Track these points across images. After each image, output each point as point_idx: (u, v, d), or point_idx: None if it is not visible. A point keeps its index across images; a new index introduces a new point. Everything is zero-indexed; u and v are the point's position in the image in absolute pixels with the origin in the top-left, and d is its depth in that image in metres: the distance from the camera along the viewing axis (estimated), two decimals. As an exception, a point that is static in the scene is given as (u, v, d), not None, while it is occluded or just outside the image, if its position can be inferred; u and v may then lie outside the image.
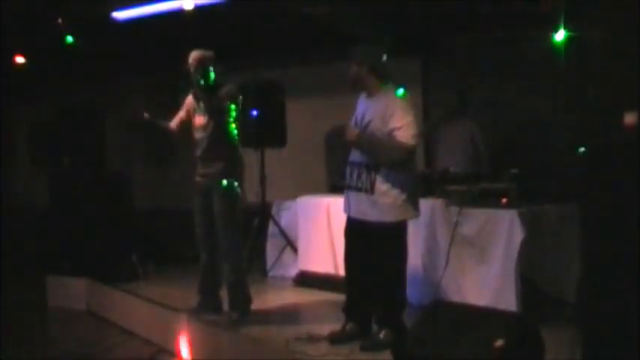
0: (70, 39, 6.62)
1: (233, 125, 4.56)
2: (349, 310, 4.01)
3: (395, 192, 3.71)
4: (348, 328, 3.95)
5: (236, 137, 4.62)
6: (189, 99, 4.69)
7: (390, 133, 3.66)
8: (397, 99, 3.75)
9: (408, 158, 3.72)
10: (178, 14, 5.93)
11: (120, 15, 6.34)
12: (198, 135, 4.61)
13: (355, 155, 3.85)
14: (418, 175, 4.01)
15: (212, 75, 4.54)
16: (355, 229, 3.91)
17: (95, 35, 6.72)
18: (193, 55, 4.54)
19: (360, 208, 3.81)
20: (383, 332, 3.79)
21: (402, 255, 3.86)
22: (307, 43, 7.24)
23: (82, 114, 8.08)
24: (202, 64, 4.51)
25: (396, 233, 3.79)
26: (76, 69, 8.08)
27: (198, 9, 5.85)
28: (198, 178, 4.65)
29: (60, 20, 6.46)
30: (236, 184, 4.56)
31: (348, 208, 3.94)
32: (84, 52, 6.82)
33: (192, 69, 4.52)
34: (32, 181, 9.01)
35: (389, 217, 3.73)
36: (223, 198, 4.52)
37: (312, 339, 3.98)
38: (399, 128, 3.63)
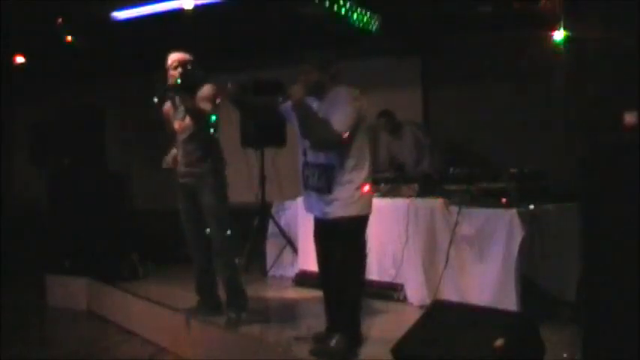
0: (70, 39, 6.63)
1: (214, 124, 4.53)
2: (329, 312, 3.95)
3: (352, 189, 3.69)
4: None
5: (217, 136, 4.61)
6: (167, 106, 4.65)
7: (328, 117, 3.64)
8: (345, 94, 3.69)
9: (334, 144, 3.64)
10: (178, 14, 5.94)
11: (120, 15, 6.34)
12: (179, 138, 4.59)
13: (312, 157, 3.80)
14: (370, 171, 3.86)
15: (191, 76, 4.49)
16: (322, 231, 3.89)
17: (95, 35, 6.72)
18: (173, 57, 4.50)
19: (322, 208, 3.77)
20: (335, 339, 3.68)
21: (360, 253, 3.81)
22: (307, 43, 7.24)
23: (82, 114, 8.07)
24: (182, 66, 4.47)
25: (354, 228, 3.75)
26: (76, 69, 8.09)
27: (198, 9, 5.85)
28: (182, 180, 4.64)
29: (60, 20, 6.46)
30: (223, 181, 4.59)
31: (310, 207, 3.91)
32: (84, 52, 6.83)
33: (171, 70, 4.47)
34: (32, 181, 8.99)
35: (348, 212, 3.69)
36: (211, 196, 4.53)
37: (298, 339, 3.96)
38: (336, 114, 3.60)
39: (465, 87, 6.95)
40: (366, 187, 3.75)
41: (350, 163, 3.69)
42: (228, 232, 4.58)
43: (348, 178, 3.69)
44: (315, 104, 3.77)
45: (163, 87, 4.53)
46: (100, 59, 7.75)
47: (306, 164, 3.85)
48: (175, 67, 4.48)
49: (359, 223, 3.76)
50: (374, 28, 6.36)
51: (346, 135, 3.60)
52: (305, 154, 3.85)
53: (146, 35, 6.80)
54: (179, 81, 4.44)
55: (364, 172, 3.74)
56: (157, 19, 6.28)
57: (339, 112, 3.60)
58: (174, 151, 4.71)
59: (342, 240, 3.74)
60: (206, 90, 4.48)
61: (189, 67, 4.50)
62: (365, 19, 6.23)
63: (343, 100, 3.65)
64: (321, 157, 3.74)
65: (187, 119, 4.51)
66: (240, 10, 6.23)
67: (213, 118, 4.50)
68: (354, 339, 3.73)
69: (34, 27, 6.66)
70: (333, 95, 3.71)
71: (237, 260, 4.75)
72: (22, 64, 7.76)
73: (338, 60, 3.83)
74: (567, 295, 4.36)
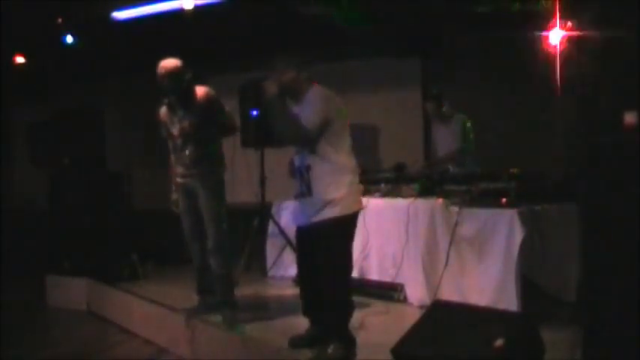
0: (70, 39, 6.63)
1: (213, 125, 4.58)
2: (313, 314, 3.91)
3: (330, 189, 3.64)
4: (311, 331, 3.87)
5: (216, 137, 4.66)
6: (163, 111, 4.69)
7: (301, 117, 3.63)
8: (317, 94, 3.68)
9: (304, 141, 3.64)
10: (178, 14, 5.94)
11: (120, 15, 6.34)
12: (178, 142, 4.63)
13: (297, 162, 3.79)
14: (354, 171, 3.80)
15: (184, 81, 4.51)
16: (306, 239, 3.82)
17: (95, 35, 6.73)
18: (164, 65, 4.50)
19: (305, 213, 3.74)
20: (332, 346, 3.61)
21: (343, 254, 3.70)
22: (307, 43, 7.25)
23: (82, 114, 8.08)
24: (174, 73, 4.48)
25: (338, 231, 3.66)
26: (76, 69, 8.09)
27: (198, 9, 5.86)
28: (180, 180, 4.68)
29: (60, 20, 6.46)
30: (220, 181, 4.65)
31: (295, 218, 3.90)
32: (84, 52, 6.83)
33: (164, 79, 4.49)
34: (32, 181, 9.01)
35: (331, 213, 3.63)
36: (210, 196, 4.57)
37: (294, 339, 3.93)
38: (306, 115, 3.60)
39: (464, 87, 6.94)
40: (351, 187, 3.69)
41: (327, 164, 3.64)
42: (224, 232, 4.61)
43: (329, 179, 3.64)
44: (293, 109, 3.75)
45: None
46: (100, 59, 7.75)
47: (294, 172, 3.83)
48: (168, 77, 4.48)
49: (343, 223, 3.67)
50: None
51: (315, 131, 3.57)
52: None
53: (146, 35, 6.80)
54: (176, 90, 4.50)
55: (347, 173, 3.69)
56: (157, 19, 6.28)
57: (310, 111, 3.60)
58: (175, 195, 4.76)
59: (326, 243, 3.64)
60: (204, 93, 4.55)
61: (181, 73, 4.51)
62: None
63: (314, 100, 3.66)
64: (297, 161, 3.75)
65: (185, 123, 4.54)
66: (240, 10, 6.23)
67: None
68: (350, 341, 3.70)
69: (34, 27, 6.66)
70: (308, 97, 3.70)
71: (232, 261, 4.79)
72: (22, 64, 7.76)
73: (312, 62, 3.81)
74: (567, 295, 4.36)
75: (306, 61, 3.82)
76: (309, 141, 3.63)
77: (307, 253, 3.82)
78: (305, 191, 3.70)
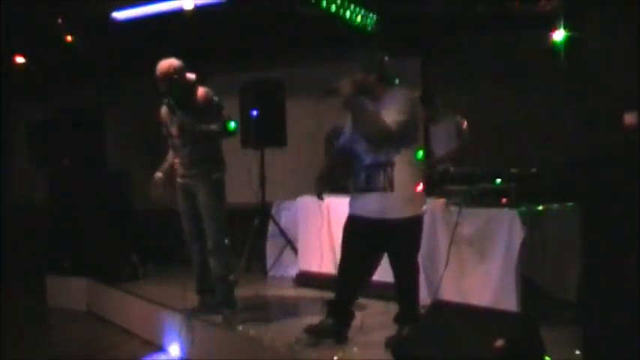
0: (70, 39, 6.63)
1: (212, 125, 4.58)
2: (335, 307, 3.98)
3: (410, 187, 3.82)
4: (328, 323, 3.93)
5: (215, 137, 4.67)
6: (163, 111, 4.70)
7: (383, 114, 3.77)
8: (400, 93, 3.85)
9: (385, 139, 3.77)
10: (178, 14, 5.94)
11: (120, 15, 6.34)
12: (177, 142, 4.65)
13: (367, 157, 3.89)
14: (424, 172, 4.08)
15: (182, 83, 4.53)
16: (362, 229, 3.91)
17: (95, 35, 6.73)
18: (158, 67, 4.51)
19: (378, 207, 3.82)
20: (405, 328, 3.81)
21: (419, 247, 3.97)
22: (307, 43, 7.25)
23: (82, 114, 8.07)
24: (171, 75, 4.49)
25: (415, 227, 3.89)
26: (76, 69, 8.09)
27: (198, 9, 5.86)
28: (180, 180, 4.70)
29: (60, 20, 6.47)
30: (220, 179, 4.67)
31: (361, 208, 3.92)
32: (84, 52, 6.83)
33: (159, 81, 4.51)
34: (32, 181, 9.00)
35: (409, 212, 3.81)
36: (209, 196, 4.57)
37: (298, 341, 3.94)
38: (388, 110, 3.74)
39: (464, 87, 6.95)
40: (420, 186, 3.89)
41: (408, 162, 3.81)
42: (224, 232, 4.61)
43: (409, 178, 3.81)
44: (370, 105, 3.87)
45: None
46: (100, 59, 7.75)
47: (357, 167, 3.94)
48: (165, 79, 4.50)
49: (418, 222, 3.89)
50: (370, 27, 6.32)
51: (397, 129, 3.70)
52: (359, 155, 3.94)
53: (146, 35, 6.80)
54: (173, 92, 4.53)
55: (420, 173, 3.90)
56: (157, 19, 6.28)
57: (392, 109, 3.74)
58: (153, 190, 4.79)
59: (402, 240, 3.85)
60: (203, 93, 4.57)
61: (179, 74, 4.51)
62: (359, 18, 6.20)
63: (399, 99, 3.81)
64: (378, 157, 3.84)
65: (186, 122, 4.55)
66: (239, 10, 6.23)
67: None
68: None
69: (34, 27, 6.66)
70: (392, 96, 3.84)
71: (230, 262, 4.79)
72: (22, 64, 7.76)
73: (384, 59, 4.00)
74: (567, 295, 4.35)
75: (382, 58, 4.00)
76: (389, 138, 3.75)
77: (368, 251, 3.93)
78: (385, 186, 3.79)
